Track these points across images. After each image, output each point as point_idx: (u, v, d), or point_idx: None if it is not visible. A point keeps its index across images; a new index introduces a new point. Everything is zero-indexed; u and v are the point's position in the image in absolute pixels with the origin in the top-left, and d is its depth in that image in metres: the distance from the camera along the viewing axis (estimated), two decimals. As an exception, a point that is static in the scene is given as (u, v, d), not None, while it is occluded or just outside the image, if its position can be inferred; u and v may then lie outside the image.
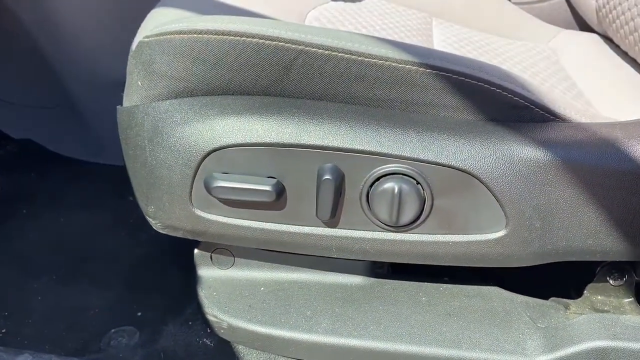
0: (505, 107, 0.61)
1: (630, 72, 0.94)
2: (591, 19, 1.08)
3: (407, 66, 0.60)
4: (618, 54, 1.01)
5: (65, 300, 1.04)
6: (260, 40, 0.60)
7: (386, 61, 0.60)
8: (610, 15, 0.98)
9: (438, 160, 0.59)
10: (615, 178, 0.58)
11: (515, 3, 1.19)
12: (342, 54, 0.60)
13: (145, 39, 0.64)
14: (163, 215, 0.66)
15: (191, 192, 0.63)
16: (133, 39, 0.74)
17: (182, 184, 0.63)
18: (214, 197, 0.62)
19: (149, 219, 0.68)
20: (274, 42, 0.60)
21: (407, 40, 0.90)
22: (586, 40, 1.08)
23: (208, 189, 0.62)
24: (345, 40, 0.60)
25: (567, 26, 1.17)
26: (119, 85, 0.72)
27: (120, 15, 1.31)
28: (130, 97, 0.67)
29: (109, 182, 1.36)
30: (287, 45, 0.60)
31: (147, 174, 0.65)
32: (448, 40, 0.97)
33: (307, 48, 0.60)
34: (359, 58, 0.60)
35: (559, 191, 0.59)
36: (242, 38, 0.60)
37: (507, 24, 1.13)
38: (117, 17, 1.31)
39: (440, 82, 0.60)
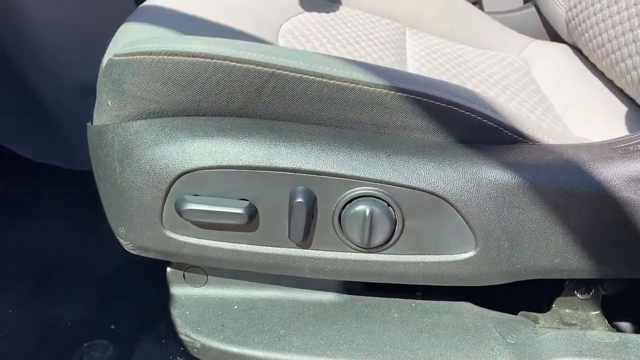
0: (475, 129, 0.62)
1: (598, 85, 0.96)
2: (561, 30, 1.09)
3: (378, 89, 0.60)
4: (587, 66, 1.03)
5: (37, 313, 1.02)
6: (232, 63, 0.59)
7: (357, 84, 0.60)
8: (579, 28, 1.00)
9: (408, 184, 0.59)
10: (581, 200, 0.59)
11: (488, 13, 1.20)
12: (314, 77, 0.60)
13: (115, 58, 0.63)
14: (134, 236, 0.66)
15: (162, 214, 0.63)
16: (105, 44, 0.73)
17: (153, 206, 0.62)
18: (185, 219, 0.62)
19: (120, 240, 0.68)
20: (246, 65, 0.59)
21: (380, 53, 0.90)
22: (557, 51, 1.10)
23: (179, 211, 0.62)
24: (317, 63, 0.60)
25: (538, 36, 1.19)
26: (91, 91, 0.70)
27: (92, 21, 1.29)
28: (100, 116, 0.67)
29: (81, 189, 1.33)
30: (258, 68, 0.60)
31: (118, 195, 0.64)
32: (421, 52, 0.98)
33: (278, 71, 0.60)
34: (330, 81, 0.60)
35: (526, 213, 0.60)
36: (214, 60, 0.60)
37: (480, 34, 1.14)
38: (89, 24, 1.29)
39: (411, 105, 0.60)
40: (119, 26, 0.78)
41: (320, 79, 0.60)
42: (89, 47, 0.96)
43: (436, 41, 1.07)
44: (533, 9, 1.19)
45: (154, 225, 0.63)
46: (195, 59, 0.60)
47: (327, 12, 1.03)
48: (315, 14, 1.00)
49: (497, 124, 0.62)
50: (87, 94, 0.76)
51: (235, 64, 0.59)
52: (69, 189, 1.36)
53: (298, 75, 0.60)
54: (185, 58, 0.60)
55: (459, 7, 1.15)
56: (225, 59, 0.59)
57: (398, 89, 0.60)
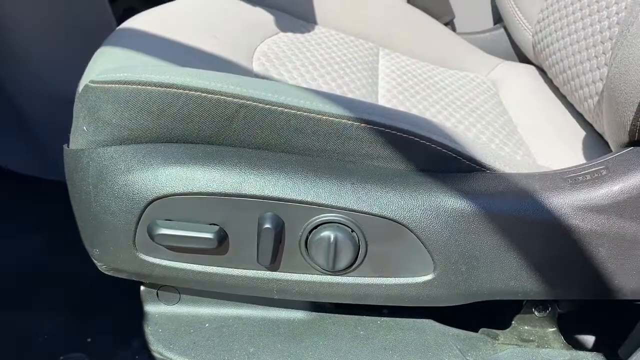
0: (434, 158, 0.65)
1: (562, 108, 1.00)
2: (528, 52, 1.14)
3: (343, 120, 0.63)
4: (552, 89, 1.07)
5: (13, 326, 1.03)
6: (203, 94, 0.62)
7: (323, 115, 0.63)
8: (544, 52, 1.04)
9: (371, 211, 0.62)
10: (532, 227, 0.63)
11: (459, 33, 1.24)
12: (282, 108, 0.63)
13: (91, 84, 0.65)
14: (108, 258, 0.68)
15: (135, 237, 0.65)
16: (85, 55, 0.74)
17: (126, 230, 0.65)
18: (158, 243, 0.65)
19: (95, 261, 0.70)
20: (216, 96, 0.62)
21: (352, 76, 0.94)
22: (524, 72, 1.14)
23: (151, 235, 0.64)
24: (285, 94, 0.63)
25: (508, 57, 1.23)
26: (72, 102, 0.71)
27: (72, 31, 1.30)
28: (77, 139, 0.69)
29: (61, 201, 1.34)
30: (229, 99, 0.62)
31: (92, 218, 0.66)
32: (392, 74, 1.01)
33: (248, 102, 0.62)
34: (298, 112, 0.63)
35: (482, 239, 0.63)
36: (185, 91, 0.62)
37: (451, 54, 1.18)
38: (68, 34, 1.31)
39: (374, 135, 0.64)
40: (99, 36, 0.79)
41: (288, 110, 0.63)
42: (70, 58, 0.98)
43: (408, 62, 1.10)
44: (502, 30, 1.23)
45: (127, 248, 0.66)
46: (168, 89, 0.62)
47: (302, 32, 1.06)
48: (290, 34, 1.03)
49: (455, 153, 0.65)
50: (68, 105, 0.77)
51: (206, 95, 0.62)
52: (48, 200, 1.36)
53: (267, 106, 0.62)
54: (158, 88, 0.62)
55: (431, 28, 1.19)
56: (196, 90, 0.62)
57: (362, 120, 0.63)
